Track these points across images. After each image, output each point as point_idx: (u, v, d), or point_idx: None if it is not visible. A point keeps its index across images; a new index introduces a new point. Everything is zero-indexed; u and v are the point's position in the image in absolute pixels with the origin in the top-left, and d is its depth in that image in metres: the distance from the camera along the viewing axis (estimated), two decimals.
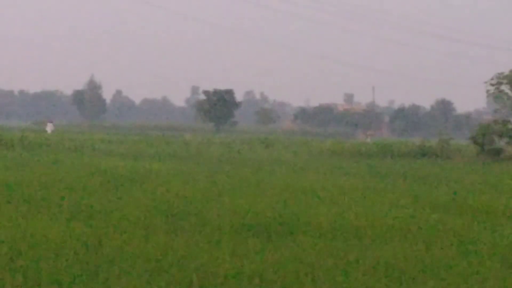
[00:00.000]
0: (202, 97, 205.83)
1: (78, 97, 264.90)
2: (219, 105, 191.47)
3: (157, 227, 18.27)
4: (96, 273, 12.43)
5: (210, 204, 23.13)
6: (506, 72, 78.35)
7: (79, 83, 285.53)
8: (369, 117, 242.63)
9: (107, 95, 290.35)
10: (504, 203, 26.58)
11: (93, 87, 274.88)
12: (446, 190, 31.94)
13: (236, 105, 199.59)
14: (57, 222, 18.51)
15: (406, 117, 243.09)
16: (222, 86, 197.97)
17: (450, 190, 32.28)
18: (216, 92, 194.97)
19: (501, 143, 74.83)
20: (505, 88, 79.14)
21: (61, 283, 11.53)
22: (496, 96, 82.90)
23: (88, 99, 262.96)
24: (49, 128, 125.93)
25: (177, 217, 19.82)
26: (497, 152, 73.26)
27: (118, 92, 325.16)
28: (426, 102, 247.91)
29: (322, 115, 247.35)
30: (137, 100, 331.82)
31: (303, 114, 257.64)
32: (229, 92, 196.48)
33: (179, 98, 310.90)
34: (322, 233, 17.93)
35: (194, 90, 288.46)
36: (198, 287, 11.79)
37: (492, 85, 79.83)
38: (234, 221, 19.33)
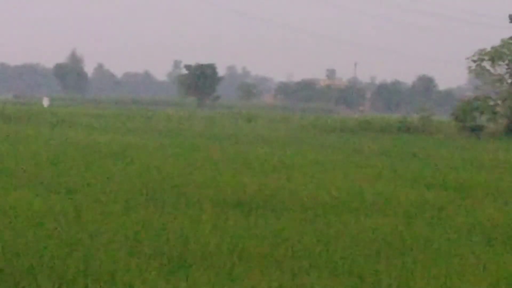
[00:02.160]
0: (184, 71, 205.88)
1: (60, 71, 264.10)
2: (201, 80, 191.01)
3: (137, 201, 18.28)
4: (76, 246, 12.42)
5: (190, 178, 23.13)
6: (488, 48, 78.30)
7: (61, 57, 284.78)
8: (351, 92, 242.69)
9: (89, 68, 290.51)
10: (484, 179, 26.66)
11: (75, 61, 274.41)
12: (427, 166, 31.98)
13: (218, 79, 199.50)
14: (38, 195, 18.52)
15: (388, 93, 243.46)
16: (204, 61, 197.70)
17: (431, 166, 32.33)
18: (198, 67, 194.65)
19: (482, 119, 74.97)
20: (486, 64, 79.07)
21: (41, 256, 11.52)
22: (478, 72, 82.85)
23: (70, 72, 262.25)
24: (45, 102, 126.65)
25: (157, 191, 19.82)
26: (478, 128, 73.46)
27: (100, 66, 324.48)
28: (408, 78, 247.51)
29: (304, 90, 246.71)
30: (119, 74, 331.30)
31: (285, 89, 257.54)
32: (211, 67, 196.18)
33: (161, 72, 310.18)
34: (303, 208, 17.94)
35: (176, 64, 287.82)
36: (178, 261, 11.79)
37: (473, 61, 79.74)
38: (215, 195, 19.34)
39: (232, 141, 48.02)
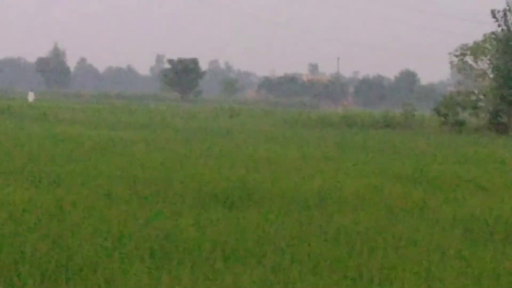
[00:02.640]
0: (167, 66, 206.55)
1: (42, 65, 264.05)
2: (184, 74, 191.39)
3: (119, 195, 18.28)
4: (58, 239, 12.42)
5: (173, 172, 23.15)
6: (470, 43, 78.59)
7: (43, 51, 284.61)
8: (334, 87, 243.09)
9: (71, 63, 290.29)
10: (466, 174, 26.73)
11: (57, 55, 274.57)
12: (409, 161, 32.03)
13: (201, 74, 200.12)
14: (20, 189, 18.51)
15: (371, 88, 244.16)
16: (186, 55, 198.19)
17: (413, 161, 32.39)
18: (180, 61, 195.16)
19: (464, 114, 74.96)
20: (468, 59, 79.58)
21: (23, 251, 11.52)
22: (460, 67, 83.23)
23: (52, 67, 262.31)
24: (30, 97, 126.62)
25: (140, 186, 19.84)
26: (460, 123, 73.41)
27: (82, 60, 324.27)
28: (390, 73, 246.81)
29: (287, 85, 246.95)
30: (101, 68, 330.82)
31: (268, 84, 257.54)
32: (194, 61, 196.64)
33: (143, 66, 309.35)
34: (285, 202, 17.97)
35: (159, 58, 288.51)
36: (160, 255, 11.80)
37: (456, 56, 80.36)
38: (197, 189, 19.37)
39: (214, 135, 48.08)
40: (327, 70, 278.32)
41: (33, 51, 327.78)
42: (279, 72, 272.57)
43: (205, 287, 9.93)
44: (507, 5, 70.62)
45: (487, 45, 75.37)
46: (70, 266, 10.78)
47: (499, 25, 71.77)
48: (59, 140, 36.33)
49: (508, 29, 70.99)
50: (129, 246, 12.33)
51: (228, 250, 12.42)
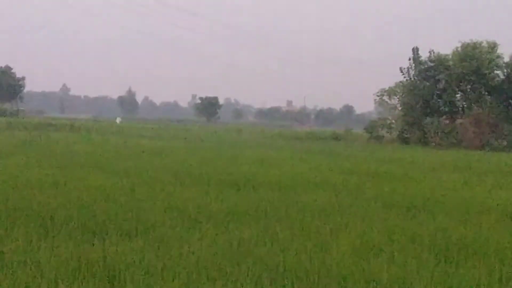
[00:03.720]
0: (198, 101, 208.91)
1: (121, 100, 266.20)
2: (208, 106, 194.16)
3: (168, 181, 18.28)
4: (131, 210, 12.41)
5: (201, 167, 23.13)
6: (386, 88, 79.10)
7: (122, 91, 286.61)
8: (301, 115, 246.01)
9: (139, 98, 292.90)
10: (384, 168, 26.74)
11: (131, 94, 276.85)
12: (348, 161, 32.11)
13: (219, 106, 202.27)
14: (107, 177, 18.56)
15: (325, 115, 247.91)
16: (210, 94, 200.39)
17: (351, 160, 32.46)
18: (207, 98, 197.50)
19: (382, 132, 75.52)
20: (385, 98, 79.89)
21: (109, 215, 11.52)
22: (380, 103, 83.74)
23: (127, 102, 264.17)
24: (118, 120, 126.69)
25: (181, 176, 19.83)
26: (380, 138, 73.98)
27: (146, 98, 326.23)
28: (337, 105, 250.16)
29: (273, 113, 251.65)
30: (158, 102, 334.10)
31: (261, 113, 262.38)
32: (215, 98, 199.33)
33: (184, 101, 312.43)
34: (271, 186, 17.96)
35: (193, 96, 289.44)
36: (195, 219, 11.79)
37: (378, 96, 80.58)
38: (217, 178, 19.36)
39: (227, 144, 48.16)
40: (297, 104, 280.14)
41: (115, 91, 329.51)
42: (268, 105, 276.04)
43: (221, 239, 9.92)
44: (409, 65, 71.10)
45: (397, 89, 75.76)
46: (139, 226, 10.79)
47: (404, 77, 72.25)
48: (129, 147, 36.43)
49: (410, 80, 71.48)
50: (175, 213, 12.36)
51: (237, 215, 12.44)
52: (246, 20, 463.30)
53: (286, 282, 7.45)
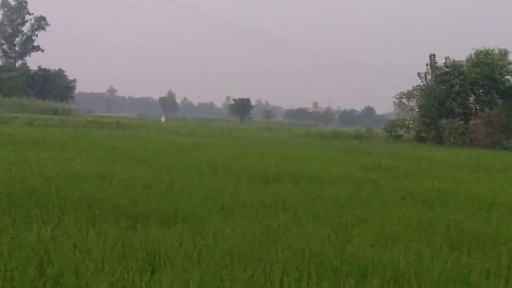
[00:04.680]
0: (232, 102, 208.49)
1: (162, 101, 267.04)
2: (241, 107, 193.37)
3: (204, 174, 18.35)
4: (171, 199, 12.48)
5: (234, 162, 23.15)
6: (405, 91, 78.75)
7: (163, 92, 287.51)
8: (326, 116, 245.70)
9: (179, 100, 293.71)
10: (402, 165, 26.61)
11: (171, 95, 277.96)
12: (368, 158, 32.02)
13: (251, 107, 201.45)
14: (149, 170, 18.65)
15: (347, 116, 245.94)
16: (243, 96, 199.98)
17: (371, 157, 32.33)
18: (240, 99, 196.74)
19: (401, 131, 75.51)
20: (404, 100, 79.46)
21: (150, 205, 11.58)
22: (399, 105, 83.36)
23: (167, 102, 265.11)
24: (162, 119, 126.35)
25: (215, 169, 19.88)
26: (398, 136, 73.96)
27: (185, 98, 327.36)
28: (358, 107, 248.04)
29: (300, 114, 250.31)
30: (195, 103, 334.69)
31: (289, 113, 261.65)
32: (247, 100, 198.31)
33: (219, 102, 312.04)
34: (297, 180, 17.96)
35: (228, 98, 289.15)
36: (229, 209, 11.83)
37: (397, 98, 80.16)
38: (247, 172, 19.39)
39: (258, 142, 48.16)
40: (323, 105, 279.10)
41: (156, 93, 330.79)
42: (295, 106, 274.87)
43: (252, 227, 9.94)
44: (427, 70, 71.23)
45: (415, 92, 75.47)
46: (178, 213, 10.85)
47: (421, 81, 72.34)
48: (169, 142, 36.55)
49: (427, 84, 71.46)
50: (210, 203, 12.41)
51: (266, 206, 12.46)
52: (276, 26, 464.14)
53: (311, 268, 7.46)
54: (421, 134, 70.54)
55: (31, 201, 11.27)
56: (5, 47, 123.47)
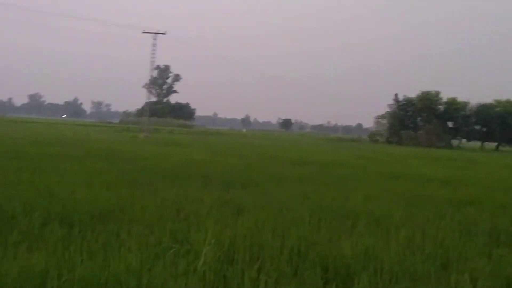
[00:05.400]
0: (281, 120, 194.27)
1: (242, 120, 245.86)
2: (286, 124, 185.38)
3: (265, 161, 18.01)
4: (247, 175, 12.41)
5: (281, 154, 22.69)
6: (380, 114, 79.35)
7: (242, 114, 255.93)
8: (335, 128, 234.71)
9: (252, 119, 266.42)
10: (378, 156, 25.94)
11: (247, 116, 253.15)
12: (359, 152, 31.36)
13: (291, 123, 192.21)
14: (235, 158, 18.36)
15: (347, 128, 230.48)
16: (288, 116, 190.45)
17: (360, 151, 31.53)
18: (285, 119, 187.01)
19: (377, 138, 75.59)
20: (379, 120, 79.47)
21: (236, 179, 11.52)
22: (377, 122, 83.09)
23: (246, 121, 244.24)
24: (244, 130, 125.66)
25: (270, 157, 19.55)
26: (376, 140, 74.38)
27: (255, 118, 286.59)
28: (353, 123, 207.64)
29: (319, 127, 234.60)
30: (261, 121, 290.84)
31: (313, 127, 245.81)
32: (289, 119, 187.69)
33: (274, 120, 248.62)
34: (316, 164, 17.62)
35: (278, 118, 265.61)
36: (280, 180, 11.67)
37: (376, 118, 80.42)
38: (289, 160, 18.99)
39: (295, 142, 47.30)
40: (332, 122, 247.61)
41: (239, 114, 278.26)
42: (317, 122, 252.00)
43: (294, 191, 9.78)
44: (393, 102, 73.18)
45: (386, 115, 75.88)
46: (251, 183, 10.78)
47: (390, 108, 74.18)
48: (247, 143, 36.34)
49: (393, 110, 72.51)
50: (270, 177, 12.21)
51: (301, 179, 12.25)
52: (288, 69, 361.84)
53: (326, 214, 7.39)
54: (389, 139, 71.43)
55: (172, 174, 11.42)
56: (158, 91, 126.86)
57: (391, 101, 75.01)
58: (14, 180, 8.90)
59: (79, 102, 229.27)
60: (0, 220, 5.77)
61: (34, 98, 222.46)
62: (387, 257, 5.05)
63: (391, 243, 5.70)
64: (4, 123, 56.77)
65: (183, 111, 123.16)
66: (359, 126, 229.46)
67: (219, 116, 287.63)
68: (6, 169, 10.49)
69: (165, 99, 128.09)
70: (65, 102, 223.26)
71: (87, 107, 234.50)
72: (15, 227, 5.48)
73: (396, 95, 75.23)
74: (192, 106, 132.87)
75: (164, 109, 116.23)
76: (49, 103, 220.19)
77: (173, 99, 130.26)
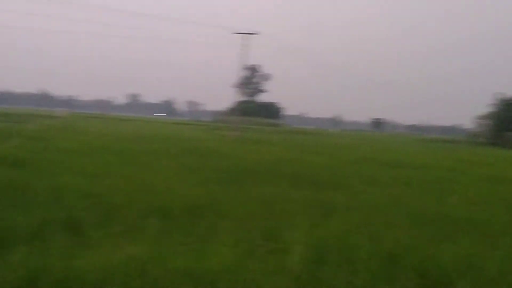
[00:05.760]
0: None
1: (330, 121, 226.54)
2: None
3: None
4: (341, 177, 12.12)
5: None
6: (481, 114, 73.47)
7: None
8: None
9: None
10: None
11: (303, 113, 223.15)
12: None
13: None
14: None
15: (447, 129, 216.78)
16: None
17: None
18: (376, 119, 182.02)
19: (479, 139, 70.50)
20: (479, 120, 74.22)
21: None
22: (478, 122, 78.48)
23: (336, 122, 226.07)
24: (334, 129, 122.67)
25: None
26: (476, 143, 68.48)
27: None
28: (448, 123, 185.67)
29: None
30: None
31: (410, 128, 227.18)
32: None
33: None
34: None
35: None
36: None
37: (477, 118, 76.05)
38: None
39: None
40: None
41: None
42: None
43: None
44: (494, 102, 68.68)
45: (488, 114, 71.18)
46: (337, 183, 10.57)
47: (496, 107, 68.47)
48: (343, 147, 35.84)
49: (498, 111, 67.48)
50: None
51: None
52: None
53: (422, 219, 7.07)
54: (492, 141, 66.37)
55: (261, 172, 11.42)
56: (247, 90, 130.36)
57: (488, 101, 69.67)
58: (115, 174, 9.32)
59: (173, 101, 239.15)
60: (102, 210, 6.03)
61: (133, 98, 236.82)
62: (489, 266, 4.69)
63: (493, 251, 5.29)
64: (108, 120, 60.65)
65: (271, 110, 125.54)
66: (456, 126, 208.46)
67: (308, 115, 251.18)
68: (108, 164, 11.24)
69: (254, 98, 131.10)
70: (161, 101, 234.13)
71: (181, 106, 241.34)
72: (115, 218, 5.65)
73: (496, 94, 68.86)
74: (281, 105, 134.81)
75: (253, 108, 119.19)
76: (146, 103, 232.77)
77: (262, 98, 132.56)
